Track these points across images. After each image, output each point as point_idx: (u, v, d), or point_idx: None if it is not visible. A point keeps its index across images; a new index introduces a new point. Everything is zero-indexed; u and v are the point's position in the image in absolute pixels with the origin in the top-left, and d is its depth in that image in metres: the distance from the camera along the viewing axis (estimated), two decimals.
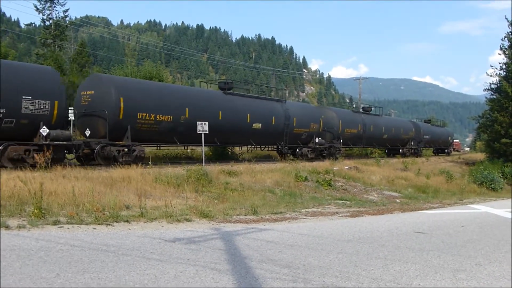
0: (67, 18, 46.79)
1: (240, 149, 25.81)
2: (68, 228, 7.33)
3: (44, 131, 13.35)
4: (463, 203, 16.03)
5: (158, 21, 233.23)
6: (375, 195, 16.39)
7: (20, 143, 13.14)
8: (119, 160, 15.52)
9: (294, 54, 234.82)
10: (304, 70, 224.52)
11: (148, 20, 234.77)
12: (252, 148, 25.26)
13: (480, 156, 40.84)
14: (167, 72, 68.61)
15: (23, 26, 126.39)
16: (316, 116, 26.85)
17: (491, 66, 32.33)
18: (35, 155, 12.25)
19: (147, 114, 17.07)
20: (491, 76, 31.60)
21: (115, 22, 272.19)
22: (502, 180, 23.15)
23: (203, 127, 17.92)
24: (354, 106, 43.86)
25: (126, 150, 16.32)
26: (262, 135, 22.79)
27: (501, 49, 30.82)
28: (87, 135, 16.56)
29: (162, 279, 4.82)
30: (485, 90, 32.51)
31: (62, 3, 43.87)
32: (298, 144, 25.36)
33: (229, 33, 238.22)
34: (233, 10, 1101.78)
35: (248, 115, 21.68)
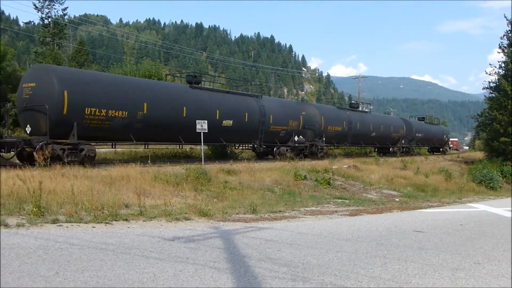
0: (66, 17, 46.70)
1: (209, 148, 24.20)
2: (67, 227, 7.33)
3: None
4: (462, 202, 16.06)
5: (157, 20, 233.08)
6: (374, 194, 16.40)
7: None
8: (64, 160, 14.10)
9: (293, 52, 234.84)
10: (303, 68, 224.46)
11: (147, 18, 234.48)
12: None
13: (479, 154, 40.86)
14: (166, 71, 68.54)
15: (22, 24, 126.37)
16: (296, 113, 25.35)
17: (490, 64, 32.41)
18: None
19: (97, 110, 15.43)
20: (490, 74, 31.62)
21: (114, 20, 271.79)
22: (501, 179, 23.21)
23: (202, 125, 17.85)
24: (335, 102, 42.73)
25: (72, 149, 14.75)
26: (233, 133, 21.23)
27: (500, 47, 30.80)
28: (28, 132, 15.13)
29: (161, 278, 4.82)
30: (484, 88, 32.53)
31: (61, 2, 43.87)
32: (275, 143, 23.99)
33: (228, 32, 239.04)
34: (232, 8, 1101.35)
35: (218, 111, 20.11)
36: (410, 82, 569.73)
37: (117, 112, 16.13)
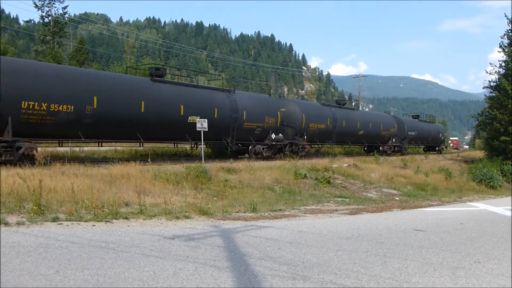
0: (66, 15, 46.77)
1: (176, 146, 22.49)
2: (67, 225, 7.33)
3: None
4: (462, 200, 16.06)
5: (157, 18, 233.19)
6: (374, 193, 16.40)
7: None
8: None
9: (294, 51, 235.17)
10: (303, 67, 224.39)
11: (147, 17, 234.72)
12: (194, 146, 22.25)
13: (479, 154, 40.85)
14: (166, 69, 68.48)
15: (22, 23, 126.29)
16: (273, 109, 23.97)
17: (490, 64, 32.29)
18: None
19: (37, 103, 13.97)
20: (490, 74, 31.63)
21: (114, 19, 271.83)
22: (501, 178, 23.22)
23: (202, 124, 17.83)
24: (317, 99, 40.10)
25: (7, 147, 13.42)
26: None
27: (500, 47, 30.82)
28: None
29: (161, 276, 4.82)
30: (484, 88, 32.55)
31: (61, 0, 43.87)
32: (250, 141, 22.58)
33: (229, 31, 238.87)
34: (233, 7, 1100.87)
35: (182, 106, 18.69)
36: (410, 81, 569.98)
37: (61, 106, 14.63)
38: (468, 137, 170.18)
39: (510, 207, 13.26)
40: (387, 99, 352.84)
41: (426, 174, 22.27)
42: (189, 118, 18.90)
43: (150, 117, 17.41)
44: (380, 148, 35.54)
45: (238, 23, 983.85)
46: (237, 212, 10.06)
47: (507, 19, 30.22)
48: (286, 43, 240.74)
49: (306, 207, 11.67)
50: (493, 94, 31.40)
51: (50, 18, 43.37)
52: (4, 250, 5.47)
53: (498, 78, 30.67)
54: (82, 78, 16.05)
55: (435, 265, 5.96)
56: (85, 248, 5.86)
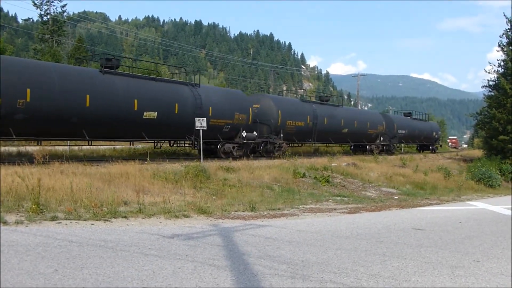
0: (65, 14, 46.72)
1: (132, 144, 20.67)
2: (66, 224, 7.32)
3: None
4: (460, 199, 16.07)
5: (156, 17, 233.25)
6: (373, 192, 16.40)
7: None
8: None
9: (293, 50, 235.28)
10: (302, 66, 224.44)
11: (146, 15, 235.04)
12: (157, 144, 21.04)
13: (477, 153, 40.90)
14: (165, 68, 68.51)
15: (20, 21, 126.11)
16: (244, 105, 22.18)
17: (489, 63, 32.33)
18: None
19: None
20: (489, 73, 31.68)
21: (113, 17, 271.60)
22: (499, 177, 23.23)
23: (201, 123, 17.81)
24: (300, 95, 34.45)
25: None
26: (159, 127, 18.11)
27: (499, 46, 30.85)
28: None
29: (160, 275, 4.81)
30: (483, 87, 32.60)
31: None
32: (218, 139, 20.80)
33: (227, 29, 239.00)
34: (231, 6, 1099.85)
35: (136, 100, 16.99)
36: (409, 80, 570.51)
37: None
38: (467, 136, 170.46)
39: (509, 206, 13.28)
40: (386, 98, 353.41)
41: (425, 173, 22.28)
42: (145, 113, 17.29)
43: (97, 113, 15.80)
44: (367, 147, 33.73)
45: (237, 22, 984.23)
46: (236, 211, 10.06)
47: (506, 18, 30.25)
48: (285, 42, 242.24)
49: (305, 206, 11.67)
50: (492, 93, 31.43)
51: (48, 16, 43.32)
52: (2, 249, 5.45)
53: (497, 77, 30.70)
54: (12, 67, 14.26)
55: (434, 264, 5.96)
56: (84, 247, 5.85)
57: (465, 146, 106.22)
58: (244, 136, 21.49)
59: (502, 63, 30.66)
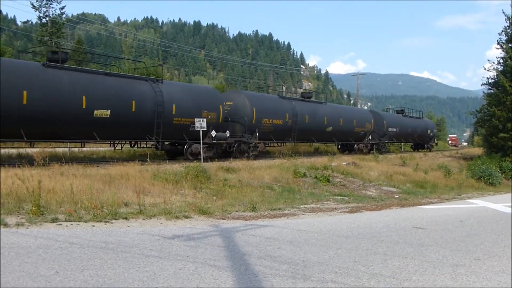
0: (64, 16, 46.63)
1: (83, 145, 19.27)
2: (67, 226, 7.32)
3: None
4: (461, 198, 16.06)
5: (155, 18, 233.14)
6: (374, 191, 16.40)
7: None
8: None
9: (292, 50, 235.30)
10: (301, 66, 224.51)
11: (145, 17, 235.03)
12: (117, 145, 19.37)
13: (478, 151, 40.89)
14: (165, 69, 68.51)
15: (19, 23, 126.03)
16: (214, 102, 20.60)
17: (489, 60, 32.31)
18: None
19: None
20: (488, 70, 31.68)
21: (112, 19, 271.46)
22: (500, 174, 23.22)
23: (201, 123, 17.77)
24: (280, 92, 32.75)
25: None
26: (114, 127, 16.60)
27: (498, 43, 30.88)
28: None
29: (161, 276, 4.81)
30: (482, 84, 32.60)
31: (58, 1, 43.72)
32: (184, 139, 19.17)
33: (226, 30, 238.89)
34: (230, 6, 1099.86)
35: (84, 97, 15.46)
36: (409, 78, 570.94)
37: None
38: (466, 134, 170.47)
39: (509, 204, 13.28)
40: (385, 97, 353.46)
41: (425, 171, 22.28)
42: (96, 111, 15.74)
43: (37, 111, 14.35)
44: (355, 146, 32.16)
45: (236, 22, 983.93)
46: (236, 212, 10.05)
47: (505, 15, 30.26)
48: (284, 41, 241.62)
49: (305, 206, 11.67)
50: (492, 91, 31.45)
51: (47, 18, 43.28)
52: (3, 251, 5.45)
53: (496, 75, 30.71)
54: None
55: (435, 262, 5.96)
56: (85, 248, 5.85)
57: (465, 144, 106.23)
58: (213, 136, 19.91)
59: (501, 61, 30.69)
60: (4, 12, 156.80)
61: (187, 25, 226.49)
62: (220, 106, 20.91)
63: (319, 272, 5.28)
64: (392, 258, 6.12)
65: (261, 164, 17.80)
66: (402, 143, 42.46)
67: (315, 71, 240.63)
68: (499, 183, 22.14)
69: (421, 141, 44.14)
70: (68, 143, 19.72)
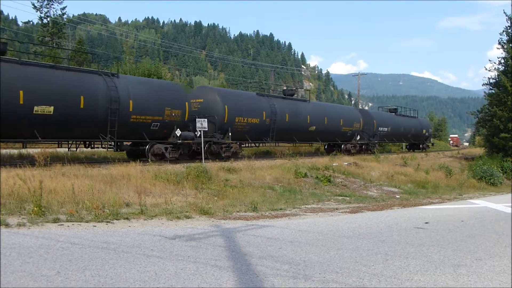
0: (65, 16, 46.71)
1: (25, 146, 16.79)
2: (68, 226, 7.33)
3: None
4: (462, 198, 16.04)
5: (156, 18, 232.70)
6: (375, 191, 16.39)
7: None
8: None
9: (293, 50, 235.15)
10: (302, 66, 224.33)
11: (146, 17, 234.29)
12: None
13: (479, 151, 40.85)
14: (166, 69, 68.53)
15: (20, 24, 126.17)
16: (179, 99, 18.91)
17: (490, 60, 32.28)
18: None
19: None
20: (489, 70, 31.69)
21: (113, 19, 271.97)
22: (501, 174, 23.19)
23: (202, 124, 17.77)
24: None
25: None
26: (59, 125, 15.00)
27: (499, 43, 30.85)
28: None
29: (163, 276, 4.82)
30: (483, 85, 32.57)
31: (59, 1, 43.81)
32: (145, 139, 17.64)
33: (227, 30, 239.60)
34: (231, 6, 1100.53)
35: (21, 92, 13.86)
36: (410, 79, 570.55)
37: None
38: (468, 134, 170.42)
39: (511, 204, 13.26)
40: (386, 97, 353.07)
41: (427, 171, 22.26)
42: (36, 108, 14.20)
43: None
44: (342, 146, 30.46)
45: (237, 23, 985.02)
46: (237, 212, 10.06)
47: (506, 16, 30.23)
48: (285, 42, 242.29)
49: (306, 206, 11.66)
50: (493, 91, 31.43)
51: (48, 19, 43.33)
52: (5, 251, 5.46)
53: (498, 75, 30.68)
54: None
55: (436, 263, 5.96)
56: (86, 249, 5.85)
57: (467, 144, 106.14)
58: (179, 135, 18.47)
59: (502, 61, 30.68)
60: (5, 13, 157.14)
61: (188, 25, 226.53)
62: (186, 103, 19.28)
63: (320, 272, 5.28)
64: (394, 258, 6.12)
65: (262, 164, 17.80)
66: (396, 143, 41.06)
67: (316, 71, 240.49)
68: (501, 183, 22.12)
69: (415, 141, 42.68)
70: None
